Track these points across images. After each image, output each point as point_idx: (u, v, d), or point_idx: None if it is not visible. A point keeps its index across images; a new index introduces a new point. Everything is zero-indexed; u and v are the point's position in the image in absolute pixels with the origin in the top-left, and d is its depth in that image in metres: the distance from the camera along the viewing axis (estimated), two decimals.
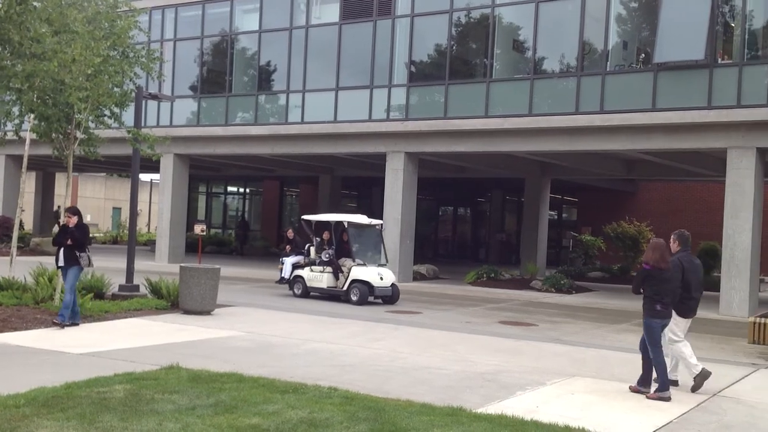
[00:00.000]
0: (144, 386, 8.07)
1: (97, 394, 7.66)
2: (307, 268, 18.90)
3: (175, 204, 28.55)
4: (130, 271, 16.30)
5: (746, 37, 19.23)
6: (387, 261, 19.10)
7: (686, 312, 9.71)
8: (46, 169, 41.81)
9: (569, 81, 21.29)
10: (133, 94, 15.39)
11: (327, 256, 18.49)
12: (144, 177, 49.34)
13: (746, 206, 18.78)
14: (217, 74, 28.41)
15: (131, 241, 16.92)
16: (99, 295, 15.27)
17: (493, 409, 7.95)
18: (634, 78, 20.70)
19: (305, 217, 19.95)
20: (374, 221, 19.13)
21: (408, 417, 7.26)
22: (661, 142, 20.09)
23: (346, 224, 18.79)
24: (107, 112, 14.77)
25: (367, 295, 17.57)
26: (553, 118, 21.06)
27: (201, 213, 44.83)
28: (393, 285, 18.00)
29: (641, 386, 9.27)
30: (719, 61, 19.36)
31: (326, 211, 35.86)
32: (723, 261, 19.25)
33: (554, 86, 21.81)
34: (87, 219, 56.21)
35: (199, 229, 28.58)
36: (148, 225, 54.38)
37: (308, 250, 19.58)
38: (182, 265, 15.15)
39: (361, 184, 39.37)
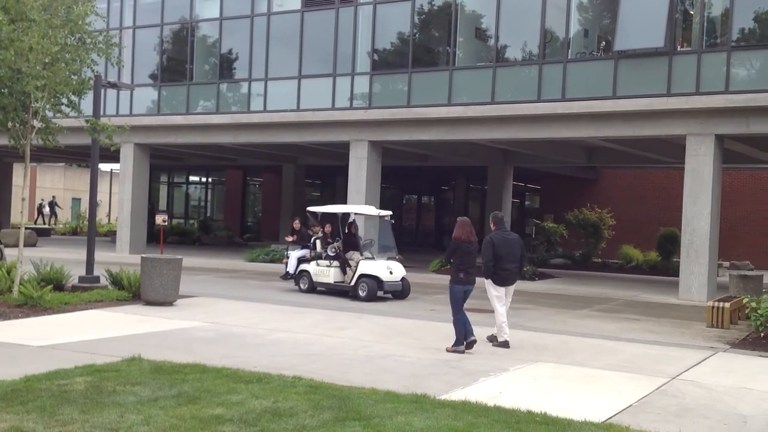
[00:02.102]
0: (105, 378, 7.99)
1: (57, 386, 7.56)
2: (313, 263, 17.94)
3: (136, 194, 28.23)
4: (90, 263, 16.08)
5: (705, 24, 19.48)
6: (398, 254, 18.00)
7: (500, 281, 11.54)
8: (2, 160, 41.06)
9: (531, 69, 21.41)
10: (92, 83, 15.13)
11: (333, 249, 17.66)
12: (104, 167, 48.72)
13: (705, 192, 19.06)
14: (177, 62, 28.09)
15: (91, 232, 16.68)
16: (58, 286, 15.07)
17: (456, 395, 8.00)
18: (595, 66, 20.88)
19: (311, 208, 19.10)
20: (383, 212, 18.23)
21: (372, 405, 7.28)
22: (622, 130, 20.30)
23: (353, 216, 18.02)
24: (65, 101, 14.51)
25: (375, 290, 16.65)
26: (516, 106, 21.17)
27: (162, 203, 44.34)
28: (403, 279, 17.03)
29: (462, 347, 10.73)
30: (679, 48, 19.59)
31: (289, 201, 35.82)
32: (682, 246, 19.53)
33: (516, 74, 21.91)
34: (46, 210, 54.91)
35: (160, 219, 28.30)
36: (109, 216, 53.71)
37: (314, 244, 18.63)
38: (143, 255, 14.99)
39: (325, 173, 39.27)
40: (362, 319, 13.58)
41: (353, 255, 17.41)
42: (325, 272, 17.60)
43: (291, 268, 18.66)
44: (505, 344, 11.30)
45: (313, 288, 17.75)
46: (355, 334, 12.08)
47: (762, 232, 31.79)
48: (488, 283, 11.67)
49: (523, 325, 13.87)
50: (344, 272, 17.36)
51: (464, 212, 39.03)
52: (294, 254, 18.84)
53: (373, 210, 18.01)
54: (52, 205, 53.02)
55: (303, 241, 19.33)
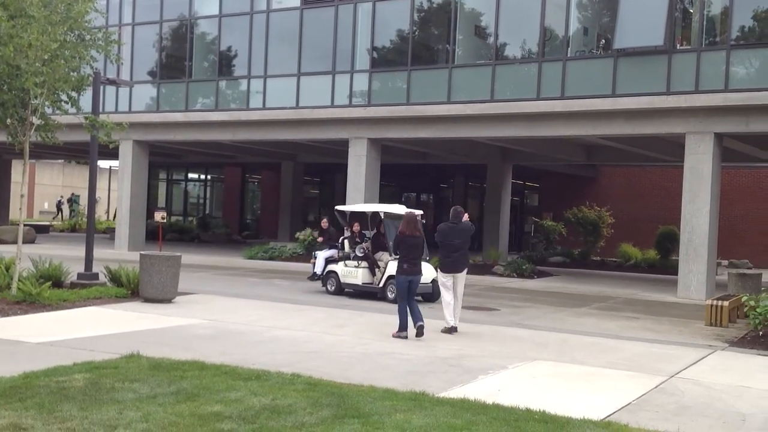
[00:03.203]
0: (104, 375, 7.97)
1: (56, 383, 7.55)
2: (341, 263, 17.23)
3: (135, 191, 28.20)
4: (89, 259, 16.06)
5: (704, 23, 19.48)
6: (428, 256, 16.96)
7: (446, 268, 12.35)
8: (1, 156, 41.04)
9: (531, 67, 21.40)
10: (91, 79, 15.11)
11: (362, 250, 16.96)
12: (103, 164, 48.73)
13: (704, 191, 19.06)
14: (176, 59, 28.06)
15: (90, 229, 16.67)
16: (57, 283, 15.04)
17: (455, 393, 7.99)
18: (595, 64, 20.87)
19: (339, 207, 18.31)
20: (415, 211, 17.38)
21: (371, 402, 7.27)
22: (622, 128, 20.29)
23: (382, 215, 17.09)
24: (64, 97, 14.49)
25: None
26: (515, 104, 21.16)
27: (161, 200, 44.33)
28: (434, 281, 15.71)
29: (406, 332, 11.49)
30: (678, 47, 19.59)
31: (288, 199, 35.80)
32: (681, 245, 19.54)
33: (516, 72, 21.90)
34: (44, 206, 55.06)
35: (159, 216, 28.27)
36: (107, 213, 53.67)
37: (342, 243, 17.85)
38: (142, 252, 14.97)
39: (324, 171, 39.25)
40: (362, 317, 13.57)
41: (382, 255, 16.81)
42: (353, 273, 16.92)
43: (318, 269, 17.99)
44: (451, 330, 12.16)
45: (341, 289, 17.10)
46: (354, 331, 12.08)
47: (761, 230, 31.81)
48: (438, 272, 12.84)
49: (522, 323, 13.87)
50: (373, 273, 16.71)
51: (464, 210, 38.99)
52: (321, 255, 18.23)
53: (403, 209, 16.83)
54: (72, 201, 52.95)
55: (331, 241, 18.85)
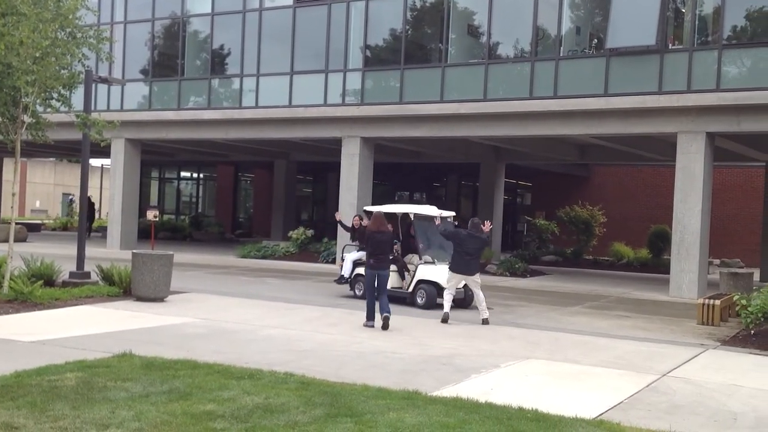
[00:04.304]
0: (96, 374, 7.95)
1: (47, 382, 7.53)
2: None
3: (127, 189, 28.13)
4: (80, 258, 16.01)
5: (696, 22, 19.53)
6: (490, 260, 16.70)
7: (457, 269, 13.69)
8: None
9: (523, 66, 21.42)
10: (82, 77, 15.06)
11: (392, 252, 15.27)
12: (95, 162, 48.53)
13: (696, 190, 19.12)
14: (168, 57, 27.99)
15: (81, 228, 16.62)
16: (49, 282, 14.99)
17: (448, 392, 8.00)
18: (587, 63, 20.90)
19: (367, 208, 17.59)
20: (445, 213, 16.20)
21: (364, 401, 7.28)
22: (614, 127, 20.33)
23: (412, 216, 16.26)
24: (55, 95, 14.45)
25: (435, 297, 15.07)
26: (508, 103, 21.18)
27: (154, 199, 44.22)
28: (465, 286, 14.90)
29: (373, 321, 12.42)
30: (670, 46, 19.63)
31: (281, 197, 35.74)
32: (673, 244, 19.58)
33: (509, 71, 21.92)
34: (36, 205, 54.94)
35: (151, 215, 28.19)
36: (99, 211, 53.50)
37: None
38: (134, 251, 14.94)
39: (316, 170, 39.22)
40: (354, 316, 13.57)
41: (412, 258, 16.10)
42: None
43: (346, 272, 16.87)
44: (444, 318, 13.44)
45: None
46: (346, 330, 12.08)
47: (752, 229, 31.89)
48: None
49: (515, 321, 13.89)
50: (402, 277, 15.85)
51: (456, 209, 39.02)
52: (349, 257, 17.01)
53: (434, 210, 16.25)
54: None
55: (363, 242, 17.24)
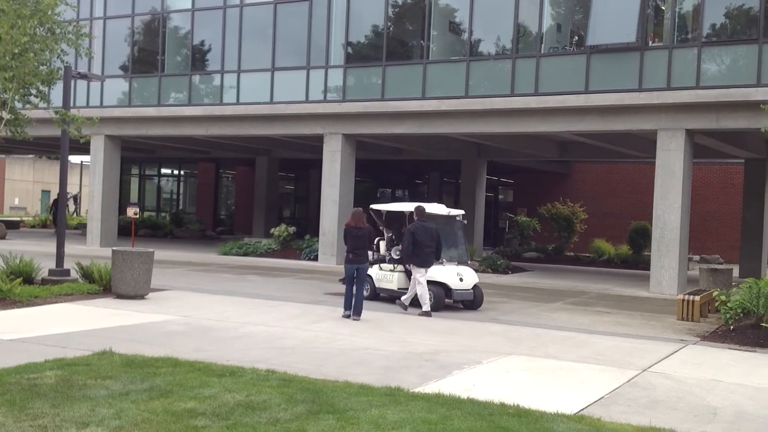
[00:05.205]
0: (76, 372, 7.89)
1: (27, 380, 7.46)
2: (376, 266, 15.79)
3: (107, 187, 27.94)
4: (60, 255, 15.88)
5: (676, 20, 19.65)
6: (469, 258, 16.29)
7: (420, 263, 13.89)
8: None
9: (505, 63, 21.47)
10: (61, 73, 14.93)
11: (398, 253, 15.37)
12: (74, 159, 48.20)
13: (675, 187, 19.25)
14: (148, 53, 27.80)
15: (61, 225, 16.49)
16: (28, 280, 14.86)
17: (430, 388, 8.01)
18: (568, 60, 20.98)
19: (374, 206, 16.73)
20: (454, 211, 16.00)
21: (346, 398, 7.27)
22: (594, 124, 20.43)
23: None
24: (34, 92, 14.31)
25: (443, 298, 14.66)
26: (489, 100, 21.23)
27: (134, 196, 43.96)
28: (475, 287, 14.93)
29: (350, 311, 12.98)
30: (650, 44, 19.75)
31: (263, 194, 35.62)
32: (653, 240, 19.72)
33: (490, 68, 21.97)
34: (15, 202, 54.58)
35: (131, 212, 28.01)
36: (78, 208, 53.18)
37: (377, 245, 16.04)
38: (115, 248, 14.84)
39: (298, 166, 39.13)
40: (336, 312, 13.55)
41: None
42: (388, 278, 15.62)
43: None
44: (427, 314, 13.70)
45: (376, 294, 15.70)
46: (328, 327, 12.06)
47: (731, 226, 32.16)
48: (411, 266, 14.10)
49: (496, 318, 13.93)
50: (410, 278, 15.01)
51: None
52: None
53: (443, 209, 15.96)
54: (75, 198, 52.47)
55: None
